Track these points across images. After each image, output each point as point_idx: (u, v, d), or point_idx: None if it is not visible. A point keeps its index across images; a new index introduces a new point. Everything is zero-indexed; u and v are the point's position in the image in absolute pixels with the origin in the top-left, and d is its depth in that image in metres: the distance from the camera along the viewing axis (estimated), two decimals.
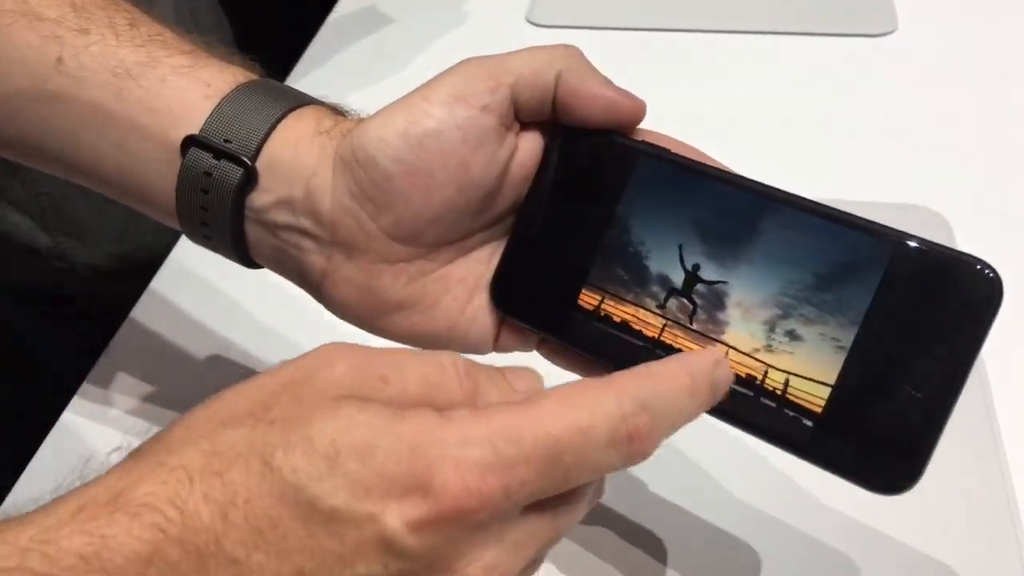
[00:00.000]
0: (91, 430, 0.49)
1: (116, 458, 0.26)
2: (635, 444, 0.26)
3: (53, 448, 0.48)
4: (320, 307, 0.36)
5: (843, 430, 0.29)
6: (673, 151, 0.33)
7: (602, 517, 0.43)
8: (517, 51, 0.33)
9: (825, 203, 0.31)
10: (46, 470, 0.47)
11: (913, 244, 0.29)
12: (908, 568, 0.40)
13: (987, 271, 0.28)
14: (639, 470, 0.45)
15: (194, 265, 0.58)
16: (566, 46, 0.33)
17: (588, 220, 0.34)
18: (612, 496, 0.44)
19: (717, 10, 0.75)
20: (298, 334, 0.53)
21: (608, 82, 0.33)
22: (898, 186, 0.59)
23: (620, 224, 0.33)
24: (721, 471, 0.45)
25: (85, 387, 0.51)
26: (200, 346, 0.53)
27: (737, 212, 0.32)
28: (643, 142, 0.34)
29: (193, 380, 0.51)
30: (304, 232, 0.34)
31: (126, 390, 0.51)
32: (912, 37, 0.71)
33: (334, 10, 0.81)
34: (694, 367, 0.28)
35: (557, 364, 0.36)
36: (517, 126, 0.34)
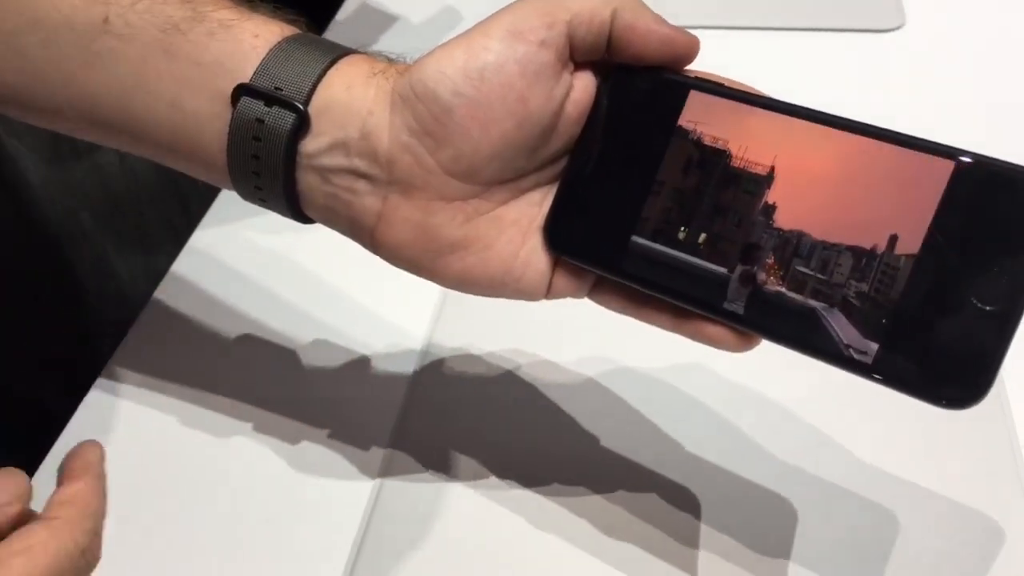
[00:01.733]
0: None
1: None
2: None
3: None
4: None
5: (910, 346, 0.29)
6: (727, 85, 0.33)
7: (638, 476, 0.43)
8: None
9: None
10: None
11: (974, 159, 0.29)
12: (943, 520, 0.40)
13: None
14: (670, 427, 0.45)
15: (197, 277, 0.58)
16: None
17: (643, 156, 0.34)
18: (643, 454, 0.44)
19: (724, 7, 0.76)
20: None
21: (662, 19, 0.34)
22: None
23: (675, 158, 0.33)
24: (754, 427, 0.45)
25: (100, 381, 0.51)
26: (215, 335, 0.53)
27: (795, 139, 0.32)
28: (696, 76, 0.34)
29: (213, 374, 0.51)
30: (359, 174, 0.34)
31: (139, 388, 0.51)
32: (920, 32, 0.72)
33: (340, 10, 0.82)
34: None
35: (610, 307, 0.36)
36: (571, 65, 0.34)
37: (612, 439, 0.45)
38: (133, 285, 0.68)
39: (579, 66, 0.35)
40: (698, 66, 0.35)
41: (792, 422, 0.45)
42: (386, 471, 0.45)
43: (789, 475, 0.43)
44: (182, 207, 0.70)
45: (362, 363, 0.50)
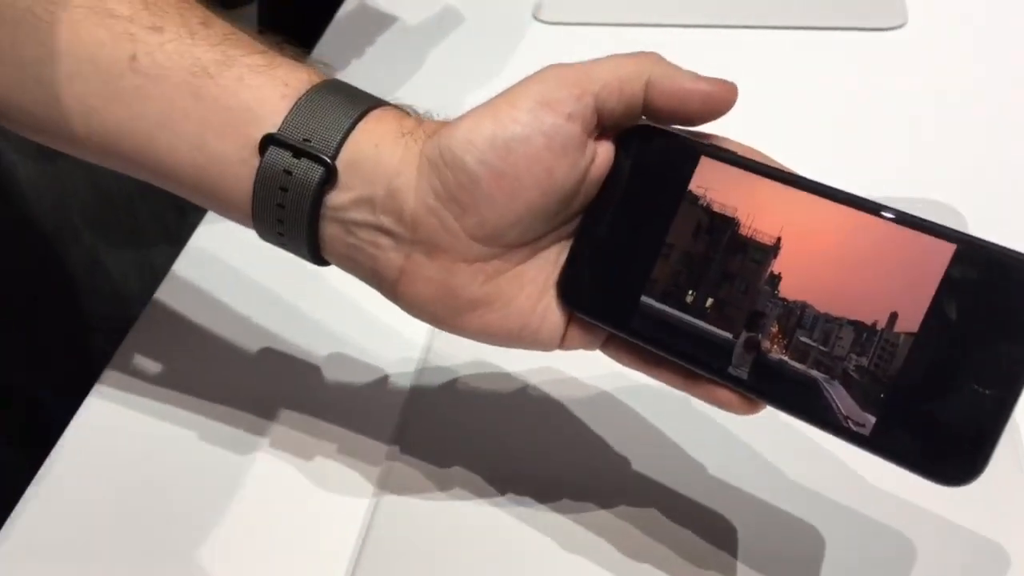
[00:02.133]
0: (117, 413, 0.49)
1: None
2: None
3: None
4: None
5: (907, 422, 0.30)
6: (738, 152, 0.34)
7: (642, 486, 0.44)
8: (601, 59, 0.34)
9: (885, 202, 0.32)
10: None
11: (975, 244, 0.30)
12: (968, 551, 0.41)
13: None
14: (700, 453, 0.46)
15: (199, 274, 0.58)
16: (648, 53, 0.34)
17: (654, 218, 0.35)
18: (671, 479, 0.44)
19: (726, 5, 0.76)
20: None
21: (697, 75, 0.34)
22: (911, 181, 0.60)
23: (685, 223, 0.34)
24: (779, 456, 0.45)
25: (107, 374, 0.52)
26: (214, 339, 0.53)
27: (802, 211, 0.33)
28: (710, 143, 0.35)
29: (218, 368, 0.52)
30: (384, 230, 0.35)
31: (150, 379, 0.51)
32: (922, 31, 0.72)
33: (340, 10, 0.81)
34: None
35: (621, 362, 0.37)
36: (597, 132, 0.35)
37: (617, 449, 0.46)
38: (125, 281, 0.69)
39: (605, 132, 0.35)
40: (701, 64, 0.34)
41: (809, 442, 0.45)
42: (385, 480, 0.46)
43: (808, 500, 0.43)
44: (174, 203, 0.70)
45: (362, 368, 0.51)
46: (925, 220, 0.31)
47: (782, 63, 0.70)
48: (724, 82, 0.34)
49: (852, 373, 0.31)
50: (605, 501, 0.44)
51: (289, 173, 0.35)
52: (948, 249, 0.30)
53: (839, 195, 0.32)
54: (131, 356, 0.53)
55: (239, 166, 0.36)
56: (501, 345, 0.37)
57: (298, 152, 0.35)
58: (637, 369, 0.36)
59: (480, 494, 0.45)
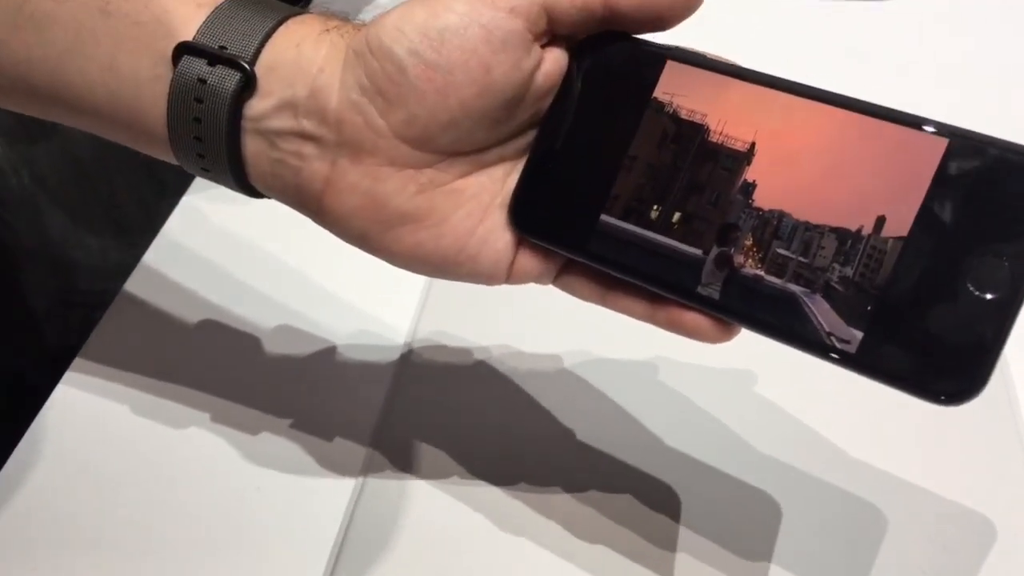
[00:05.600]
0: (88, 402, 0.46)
1: None
2: None
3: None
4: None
5: (898, 335, 0.27)
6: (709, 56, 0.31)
7: (617, 472, 0.41)
8: None
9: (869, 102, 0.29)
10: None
11: (970, 137, 0.27)
12: (935, 516, 0.39)
13: None
14: (654, 423, 0.43)
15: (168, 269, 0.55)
16: None
17: (616, 130, 0.32)
18: (627, 452, 0.42)
19: None
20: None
21: None
22: None
23: (650, 133, 0.31)
24: (738, 421, 0.43)
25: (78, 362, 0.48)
26: (193, 327, 0.50)
27: (777, 113, 0.30)
28: (675, 46, 0.32)
29: (191, 358, 0.49)
30: (306, 136, 0.32)
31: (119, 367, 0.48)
32: (909, 2, 0.71)
33: None
34: None
35: (579, 294, 0.33)
36: (547, 39, 0.32)
37: (601, 436, 0.43)
38: (104, 256, 0.66)
39: (557, 39, 0.32)
40: (683, 36, 0.32)
41: (777, 414, 0.43)
42: (367, 470, 0.43)
43: (774, 470, 0.41)
44: (153, 176, 0.67)
45: (343, 358, 0.48)
46: (913, 115, 0.28)
47: (765, 32, 0.68)
48: None
49: (836, 285, 0.28)
50: (590, 491, 0.41)
51: (204, 82, 0.32)
52: (939, 144, 0.27)
53: (819, 94, 0.29)
54: (102, 347, 0.49)
55: (153, 83, 0.33)
56: (437, 274, 0.33)
57: (213, 59, 0.32)
58: (595, 301, 0.33)
59: (464, 487, 0.42)
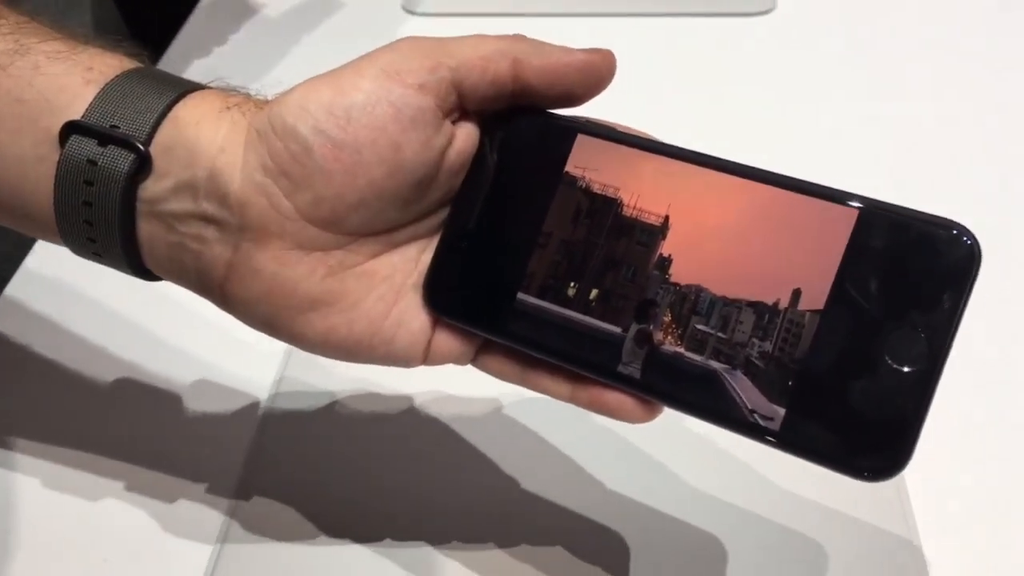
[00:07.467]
0: None
1: None
2: None
3: None
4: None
5: (820, 411, 0.27)
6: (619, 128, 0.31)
7: (560, 517, 0.40)
8: (460, 37, 0.31)
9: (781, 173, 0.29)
10: None
11: (879, 208, 0.27)
12: (879, 553, 0.39)
13: (963, 236, 0.26)
14: (597, 468, 0.42)
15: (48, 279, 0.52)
16: (512, 35, 0.31)
17: (529, 206, 0.31)
18: (569, 496, 0.41)
19: None
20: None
21: (568, 48, 0.31)
22: (783, 168, 0.58)
23: (563, 208, 0.30)
24: (680, 464, 0.43)
25: None
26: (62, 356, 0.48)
27: (690, 186, 0.29)
28: (586, 119, 0.31)
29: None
30: (207, 218, 0.30)
31: None
32: (791, 16, 0.71)
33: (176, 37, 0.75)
34: None
35: (500, 375, 0.32)
36: (457, 115, 0.31)
37: (505, 470, 0.42)
38: None
39: (468, 115, 0.31)
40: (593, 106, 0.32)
41: (711, 448, 0.42)
42: (225, 537, 0.40)
43: (712, 507, 0.41)
44: None
45: (212, 391, 0.46)
46: (823, 186, 0.28)
47: (650, 51, 0.68)
48: (599, 49, 0.31)
49: (756, 360, 0.28)
50: (472, 541, 0.40)
51: (94, 163, 0.30)
52: (850, 215, 0.27)
53: (728, 166, 0.29)
54: None
55: (37, 164, 0.31)
56: (351, 359, 0.32)
57: (104, 139, 0.30)
58: (516, 382, 0.32)
59: (336, 545, 0.40)
